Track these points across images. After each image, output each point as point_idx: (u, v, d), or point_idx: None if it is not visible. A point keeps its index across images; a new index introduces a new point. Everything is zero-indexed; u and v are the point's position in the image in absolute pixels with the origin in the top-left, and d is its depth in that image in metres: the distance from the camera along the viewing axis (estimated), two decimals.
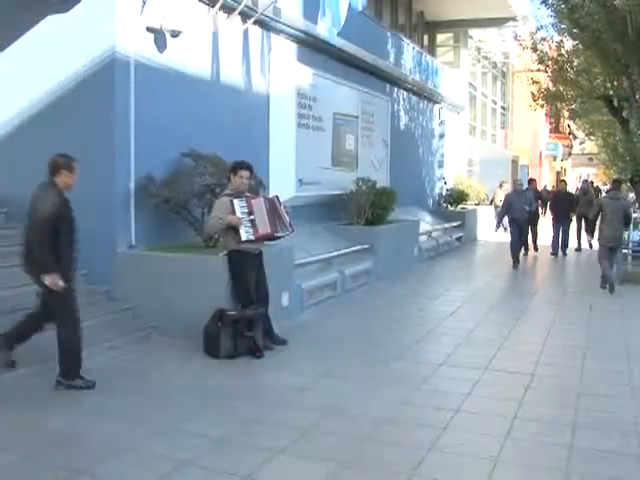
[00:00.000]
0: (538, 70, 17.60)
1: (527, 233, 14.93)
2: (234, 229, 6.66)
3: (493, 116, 31.38)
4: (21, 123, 7.88)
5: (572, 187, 38.95)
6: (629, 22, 12.91)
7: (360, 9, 10.24)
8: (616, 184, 11.91)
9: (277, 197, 7.17)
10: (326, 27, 9.47)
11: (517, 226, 13.80)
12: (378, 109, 14.60)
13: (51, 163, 5.42)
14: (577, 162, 39.73)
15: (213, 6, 8.69)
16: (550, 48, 17.02)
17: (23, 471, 4.01)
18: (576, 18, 13.83)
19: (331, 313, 8.76)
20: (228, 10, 9.05)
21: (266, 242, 7.15)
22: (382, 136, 14.95)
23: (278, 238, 7.19)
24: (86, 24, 7.48)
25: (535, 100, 17.99)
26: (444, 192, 19.48)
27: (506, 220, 14.63)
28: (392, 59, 15.63)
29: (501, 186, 21.70)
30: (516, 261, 13.54)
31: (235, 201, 6.66)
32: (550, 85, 17.85)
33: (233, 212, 6.65)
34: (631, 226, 12.61)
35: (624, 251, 12.03)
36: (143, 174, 7.62)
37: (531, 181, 17.58)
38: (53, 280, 5.20)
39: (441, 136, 19.94)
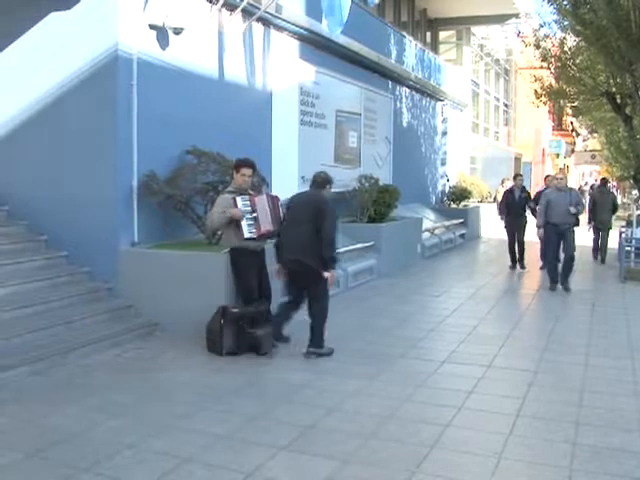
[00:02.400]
0: (541, 67, 17.59)
1: (573, 242, 10.63)
2: (236, 226, 6.65)
3: (496, 113, 31.35)
4: (23, 121, 7.88)
5: (575, 184, 38.91)
6: (633, 19, 12.88)
7: (376, 2, 10.25)
8: (603, 181, 15.80)
9: (276, 197, 7.12)
10: (329, 24, 9.45)
11: (557, 234, 10.39)
12: (381, 106, 14.59)
13: (322, 180, 6.77)
14: (580, 159, 39.67)
15: (216, 3, 8.69)
16: (553, 45, 16.99)
17: (27, 469, 4.01)
18: (580, 14, 13.80)
19: (334, 310, 8.67)
20: (230, 7, 9.04)
21: (269, 240, 7.12)
22: (385, 133, 14.94)
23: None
24: (89, 21, 7.48)
25: (538, 97, 17.98)
26: (447, 189, 19.47)
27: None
28: (395, 56, 15.61)
29: (503, 183, 21.65)
30: (554, 282, 10.52)
31: (238, 198, 6.64)
32: (553, 82, 17.85)
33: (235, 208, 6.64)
34: (634, 223, 12.74)
35: (627, 248, 12.01)
36: (146, 171, 7.62)
37: (516, 176, 13.93)
38: (333, 274, 6.50)
39: (444, 133, 19.93)
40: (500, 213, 13.79)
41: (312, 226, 6.29)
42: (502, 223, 13.61)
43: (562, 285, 10.41)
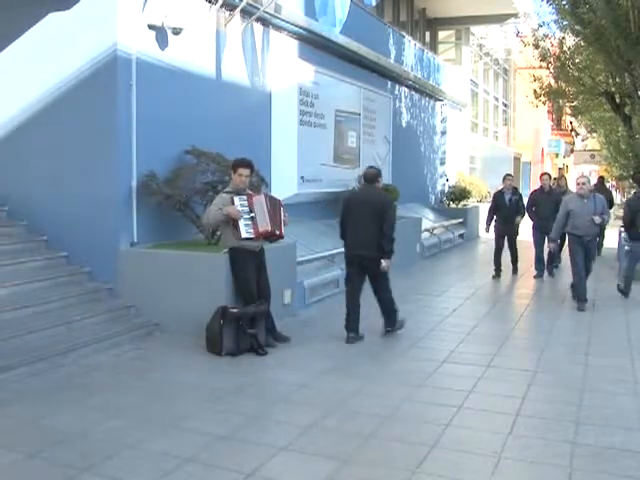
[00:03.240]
0: (540, 67, 17.62)
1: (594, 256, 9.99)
2: (234, 226, 6.64)
3: (495, 113, 31.36)
4: (22, 121, 7.88)
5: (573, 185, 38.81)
6: (632, 18, 12.90)
7: (374, 4, 10.22)
8: (600, 179, 16.51)
9: (280, 202, 7.11)
10: (325, 23, 9.45)
11: (582, 246, 9.07)
12: (380, 106, 14.57)
13: (373, 175, 7.35)
14: (579, 159, 39.66)
15: (215, 3, 8.69)
16: (552, 45, 17.02)
17: (27, 469, 4.01)
18: (579, 14, 13.81)
19: (333, 310, 8.73)
20: (230, 7, 9.04)
21: (268, 242, 7.12)
22: (384, 133, 14.92)
23: (276, 239, 7.12)
24: (88, 21, 7.48)
25: (537, 97, 18.00)
26: (446, 189, 19.47)
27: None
28: (394, 56, 15.61)
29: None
30: (583, 301, 9.05)
31: (235, 198, 6.65)
32: (552, 82, 17.87)
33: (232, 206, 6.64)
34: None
35: (626, 248, 11.99)
36: (145, 171, 7.62)
37: (506, 177, 12.20)
38: (388, 263, 7.17)
39: (443, 133, 19.92)
40: (487, 222, 12.21)
41: (377, 225, 7.02)
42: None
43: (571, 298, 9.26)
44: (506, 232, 11.77)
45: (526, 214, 11.72)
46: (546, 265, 11.70)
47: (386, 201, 7.23)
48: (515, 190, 11.92)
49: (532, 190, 12.01)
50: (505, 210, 11.68)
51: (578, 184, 9.15)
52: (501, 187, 12.06)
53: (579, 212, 8.97)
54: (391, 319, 7.37)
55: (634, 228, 9.64)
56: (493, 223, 11.98)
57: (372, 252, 7.07)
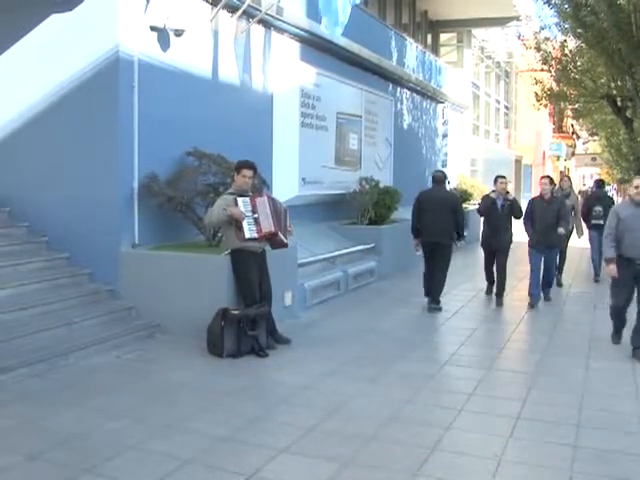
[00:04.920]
0: (542, 70, 17.63)
1: None
2: (237, 227, 6.65)
3: (496, 116, 31.36)
4: (24, 122, 7.89)
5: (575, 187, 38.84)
6: (634, 21, 12.91)
7: (357, 1, 10.18)
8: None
9: (286, 210, 7.10)
10: (329, 26, 9.46)
11: (630, 272, 6.74)
12: (382, 108, 14.59)
13: (441, 177, 9.29)
14: (580, 162, 39.72)
15: (216, 5, 8.69)
16: (554, 48, 17.03)
17: (28, 471, 4.00)
18: (581, 17, 13.82)
19: (334, 312, 8.75)
20: (231, 9, 9.05)
21: (271, 249, 7.10)
22: (385, 135, 14.94)
23: (279, 245, 7.07)
24: (90, 23, 7.49)
25: (538, 100, 18.01)
26: None
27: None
28: (396, 58, 15.61)
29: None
30: (618, 334, 7.22)
31: (239, 199, 6.65)
32: (553, 85, 17.88)
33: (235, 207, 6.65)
34: None
35: None
36: (147, 173, 7.62)
37: (498, 179, 9.65)
38: (461, 244, 9.27)
39: (444, 136, 19.92)
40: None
41: (449, 217, 8.76)
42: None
43: (634, 349, 6.74)
44: (497, 246, 9.50)
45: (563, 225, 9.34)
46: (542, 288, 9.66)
47: (455, 198, 9.41)
48: (508, 194, 9.62)
49: (531, 198, 9.95)
50: (496, 217, 9.42)
51: (635, 187, 6.66)
52: (491, 191, 9.81)
53: (632, 225, 6.63)
54: (437, 296, 8.91)
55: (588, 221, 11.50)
56: (482, 232, 9.99)
57: (445, 239, 8.82)
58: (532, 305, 9.27)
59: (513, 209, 9.48)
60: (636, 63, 13.62)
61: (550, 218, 9.18)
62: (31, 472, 3.99)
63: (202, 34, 8.64)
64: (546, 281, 9.76)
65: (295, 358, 6.55)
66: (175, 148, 8.04)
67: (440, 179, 9.15)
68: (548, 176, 10.24)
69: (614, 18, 12.85)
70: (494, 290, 9.76)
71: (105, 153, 7.49)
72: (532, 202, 9.63)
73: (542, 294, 9.67)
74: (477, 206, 10.57)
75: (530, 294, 9.40)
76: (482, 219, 10.29)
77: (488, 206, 9.49)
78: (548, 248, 9.33)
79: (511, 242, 9.59)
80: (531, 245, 9.35)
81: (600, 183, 13.11)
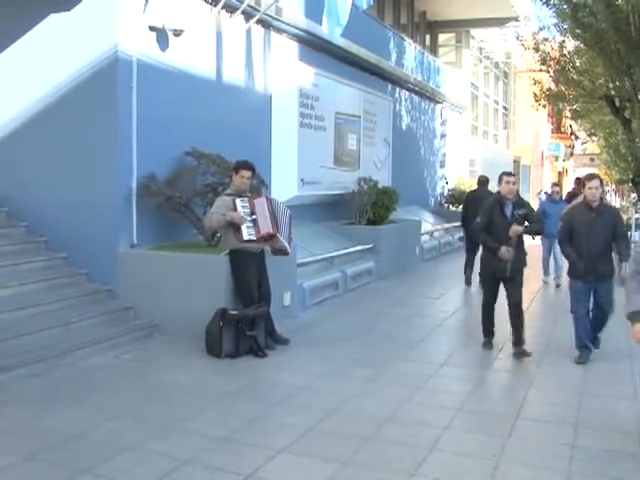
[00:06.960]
0: (540, 70, 17.63)
1: None
2: (235, 228, 6.65)
3: (495, 116, 31.37)
4: (23, 122, 7.88)
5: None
6: (632, 22, 12.92)
7: (365, 7, 10.14)
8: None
9: (290, 215, 7.06)
10: (328, 26, 9.45)
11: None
12: (380, 109, 14.59)
13: (485, 179, 11.02)
14: (579, 163, 39.72)
15: (215, 5, 8.69)
16: (552, 48, 17.04)
17: (25, 472, 4.00)
18: (579, 17, 13.84)
19: (333, 313, 8.75)
20: (230, 9, 9.04)
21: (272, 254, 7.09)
22: (384, 136, 14.93)
23: (281, 252, 7.04)
24: (89, 23, 7.48)
25: (537, 100, 18.01)
26: (446, 192, 19.47)
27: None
28: (394, 59, 15.62)
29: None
30: None
31: (237, 201, 6.65)
32: (552, 85, 17.88)
33: (235, 211, 6.64)
34: (633, 227, 12.74)
35: None
36: (145, 173, 7.62)
37: (503, 176, 6.76)
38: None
39: (443, 136, 19.92)
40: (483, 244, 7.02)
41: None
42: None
43: None
44: (501, 270, 6.65)
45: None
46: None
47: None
48: (519, 199, 6.90)
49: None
50: (501, 228, 6.58)
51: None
52: (496, 192, 7.11)
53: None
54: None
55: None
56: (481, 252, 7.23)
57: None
58: (583, 362, 6.39)
59: (529, 220, 6.69)
60: (634, 64, 13.62)
61: (601, 235, 6.35)
62: (29, 472, 3.98)
63: (201, 34, 8.63)
64: (597, 325, 6.67)
65: (294, 358, 6.55)
66: (174, 148, 8.03)
67: (484, 181, 10.87)
68: (597, 175, 6.94)
69: (612, 19, 12.87)
70: (495, 338, 7.09)
71: (103, 153, 7.48)
72: (570, 212, 6.84)
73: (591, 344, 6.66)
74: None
75: (578, 347, 6.51)
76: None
77: (490, 213, 6.70)
78: (599, 280, 6.43)
79: (525, 265, 6.84)
80: (576, 276, 6.49)
81: (578, 182, 11.65)
